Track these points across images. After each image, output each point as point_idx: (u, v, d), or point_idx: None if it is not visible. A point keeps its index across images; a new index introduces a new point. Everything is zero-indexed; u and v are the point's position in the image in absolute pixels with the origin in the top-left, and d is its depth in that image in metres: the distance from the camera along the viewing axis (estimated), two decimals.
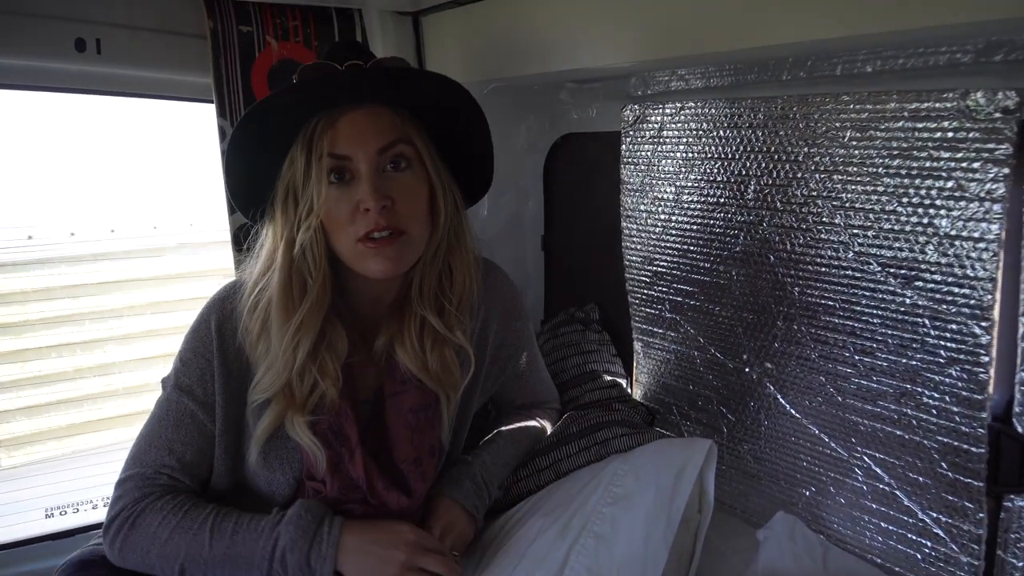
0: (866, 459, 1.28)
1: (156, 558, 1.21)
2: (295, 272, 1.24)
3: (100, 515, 1.43)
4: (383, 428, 1.33)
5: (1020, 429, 1.09)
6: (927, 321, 1.14)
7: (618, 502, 1.33)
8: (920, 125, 1.12)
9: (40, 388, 3.25)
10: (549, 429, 1.60)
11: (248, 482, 1.32)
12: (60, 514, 2.26)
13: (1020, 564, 1.12)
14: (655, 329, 1.64)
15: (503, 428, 1.56)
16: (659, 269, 1.59)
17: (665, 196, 1.54)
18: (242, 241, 1.51)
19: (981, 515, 1.14)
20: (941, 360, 1.14)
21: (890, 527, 1.27)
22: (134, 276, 3.43)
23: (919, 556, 1.23)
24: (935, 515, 1.20)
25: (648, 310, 1.64)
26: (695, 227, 1.49)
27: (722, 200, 1.43)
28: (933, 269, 1.12)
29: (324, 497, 1.28)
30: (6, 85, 1.76)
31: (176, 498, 1.24)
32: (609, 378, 1.72)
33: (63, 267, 3.30)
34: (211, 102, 1.74)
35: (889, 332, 1.20)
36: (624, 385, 1.73)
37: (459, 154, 1.34)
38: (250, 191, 1.30)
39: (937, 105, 1.09)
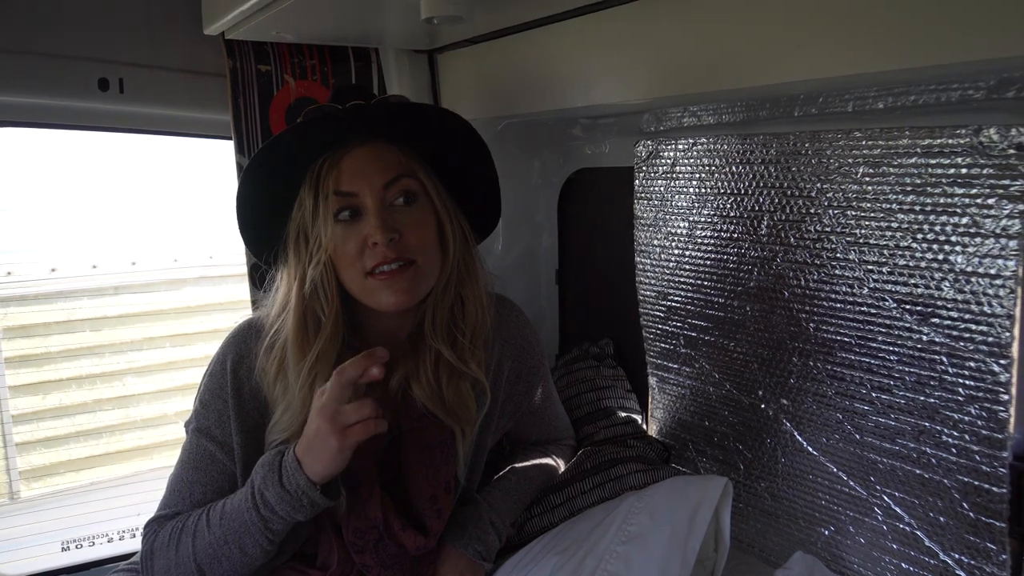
0: (886, 498, 1.26)
1: (177, 570, 1.21)
2: (308, 309, 1.24)
3: (115, 548, 1.45)
4: (398, 466, 1.33)
5: None
6: (944, 358, 1.13)
7: (632, 540, 1.31)
8: (933, 161, 1.11)
9: (60, 419, 3.29)
10: (563, 466, 1.59)
11: None
12: (76, 547, 2.26)
13: None
14: (670, 364, 1.63)
15: (516, 464, 1.55)
16: (673, 304, 1.59)
17: (678, 231, 1.54)
18: (260, 277, 1.52)
19: (1004, 557, 1.12)
20: (960, 398, 1.12)
21: (911, 568, 1.24)
22: (154, 308, 3.47)
23: None
24: (957, 556, 1.17)
25: (663, 345, 1.63)
26: (709, 262, 1.49)
27: (735, 236, 1.43)
28: (950, 306, 1.11)
29: (339, 540, 1.28)
30: (32, 123, 1.80)
31: (180, 517, 1.25)
32: (624, 414, 1.71)
33: (85, 299, 3.35)
34: (230, 139, 1.77)
35: (906, 369, 1.18)
36: (639, 421, 1.72)
37: (467, 188, 1.35)
38: (262, 235, 1.31)
39: (950, 141, 1.09)
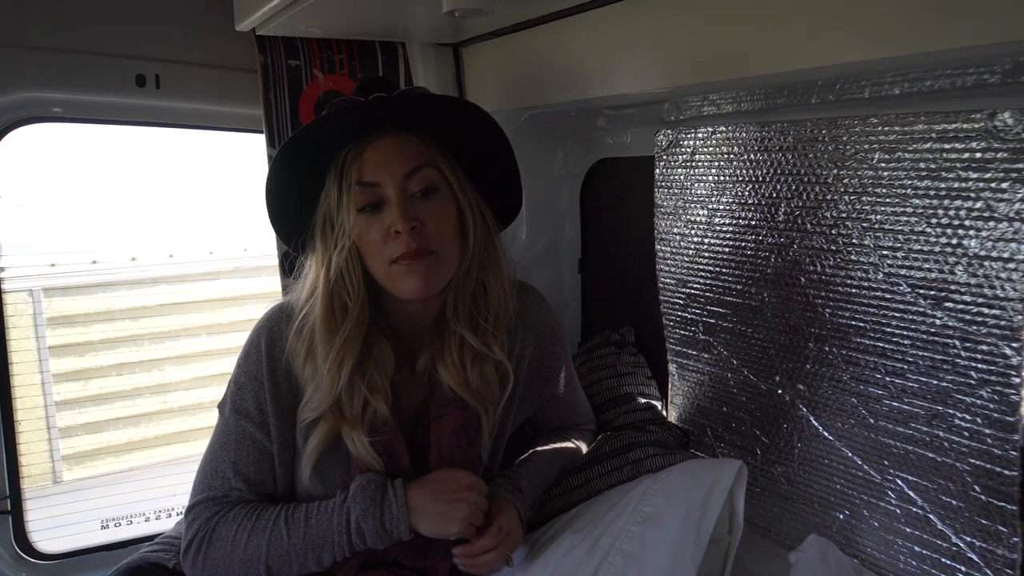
0: (899, 482, 1.27)
1: (240, 564, 1.26)
2: (335, 295, 1.29)
3: (152, 527, 1.51)
4: (425, 448, 1.37)
5: None
6: (957, 342, 1.14)
7: (647, 521, 1.34)
8: (948, 146, 1.12)
9: (101, 406, 3.39)
10: (584, 449, 1.62)
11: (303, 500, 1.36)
12: (115, 526, 2.35)
13: None
14: (689, 351, 1.65)
15: (539, 448, 1.59)
16: (692, 291, 1.61)
17: (698, 219, 1.56)
18: (289, 265, 1.58)
19: (1015, 539, 1.12)
20: (972, 381, 1.13)
21: (924, 551, 1.25)
22: (191, 299, 3.56)
23: None
24: (969, 539, 1.18)
25: (682, 332, 1.65)
26: (727, 249, 1.51)
27: (753, 222, 1.44)
28: (963, 290, 1.12)
29: None
30: (72, 119, 1.88)
31: (246, 507, 1.30)
32: (643, 400, 1.73)
33: (124, 290, 3.45)
34: (261, 132, 1.82)
35: (919, 353, 1.19)
36: (659, 407, 1.74)
37: (490, 177, 1.38)
38: (292, 223, 1.36)
39: (965, 126, 1.10)
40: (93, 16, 1.78)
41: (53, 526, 2.09)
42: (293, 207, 1.34)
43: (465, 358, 1.37)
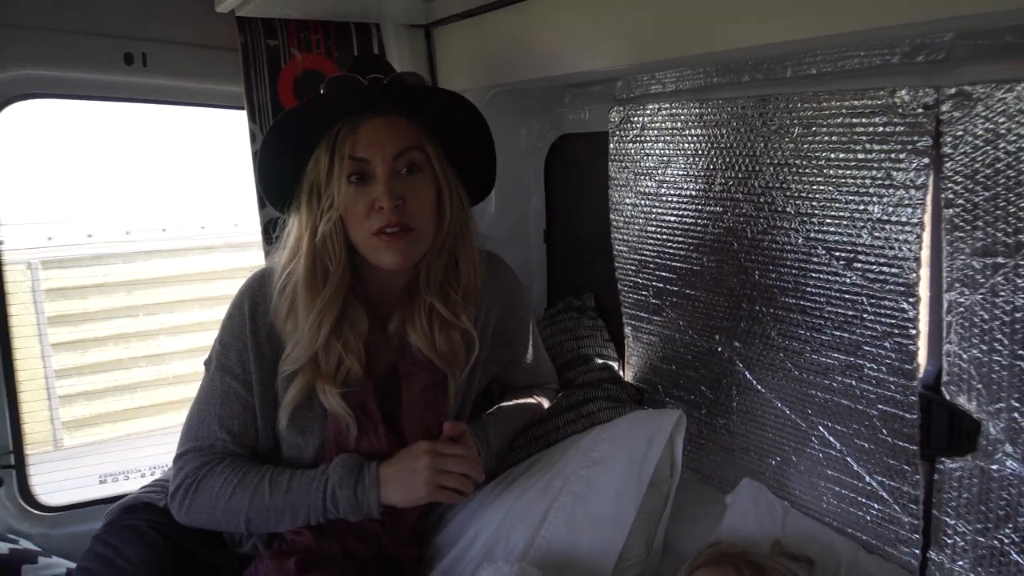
0: (821, 428, 1.39)
1: (222, 513, 1.39)
2: (318, 259, 1.41)
3: (147, 481, 1.63)
4: (396, 404, 1.49)
5: (948, 397, 1.19)
6: (865, 299, 1.26)
7: (594, 465, 1.47)
8: (856, 120, 1.23)
9: (98, 375, 3.52)
10: (546, 405, 1.74)
11: (281, 450, 1.49)
12: (112, 481, 2.49)
13: (952, 522, 1.22)
14: (641, 314, 1.77)
15: (504, 404, 1.71)
16: (643, 258, 1.72)
17: (647, 190, 1.67)
18: (271, 233, 1.69)
19: (917, 477, 1.25)
20: (877, 334, 1.25)
21: (843, 491, 1.37)
22: (184, 272, 3.69)
23: (868, 517, 1.34)
24: (880, 479, 1.31)
25: (635, 296, 1.77)
26: (673, 218, 1.62)
27: (693, 193, 1.56)
28: (868, 251, 1.24)
29: None
30: (64, 95, 1.99)
31: (234, 462, 1.42)
32: (601, 361, 1.85)
33: (119, 263, 3.57)
34: (243, 109, 1.93)
35: (834, 310, 1.31)
36: (616, 367, 1.86)
37: (466, 158, 1.50)
38: (279, 185, 1.47)
39: (869, 102, 1.21)
40: None
41: (55, 490, 2.21)
42: (282, 172, 1.45)
43: (433, 324, 1.48)
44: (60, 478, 2.45)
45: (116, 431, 3.52)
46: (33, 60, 1.86)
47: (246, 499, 1.38)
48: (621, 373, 1.87)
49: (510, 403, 1.71)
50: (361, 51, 2.00)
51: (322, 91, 1.41)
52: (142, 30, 1.92)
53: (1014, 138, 1.04)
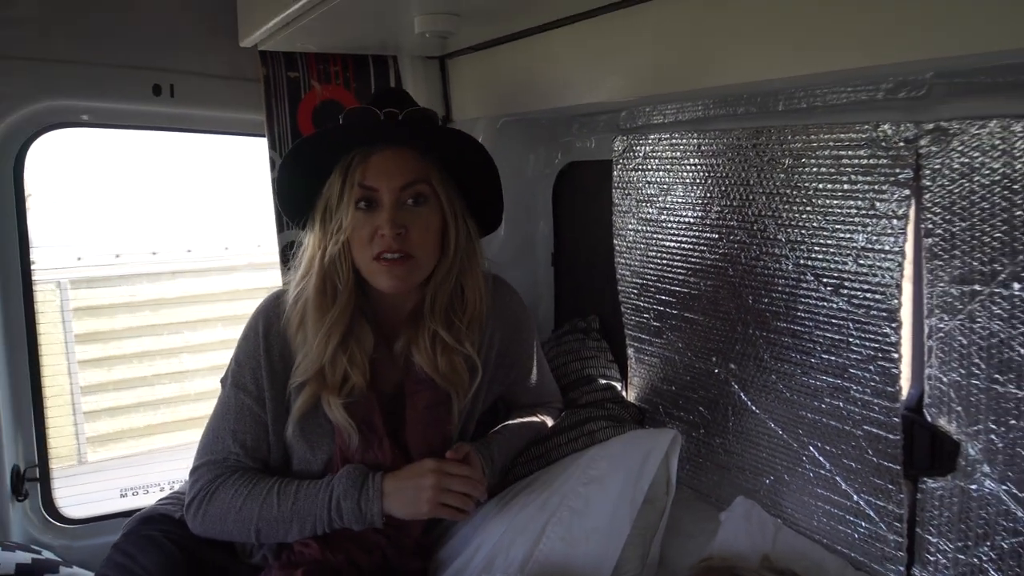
0: (811, 448, 1.44)
1: (233, 524, 1.46)
2: (327, 278, 1.49)
3: (166, 493, 1.71)
4: (401, 421, 1.56)
5: (929, 418, 1.23)
6: (850, 324, 1.31)
7: (592, 483, 1.52)
8: (843, 153, 1.29)
9: (123, 391, 3.62)
10: (550, 424, 1.80)
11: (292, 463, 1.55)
12: (132, 495, 2.57)
13: (935, 540, 1.26)
14: (643, 336, 1.82)
15: (509, 423, 1.77)
16: (645, 282, 1.78)
17: (649, 217, 1.74)
18: (288, 256, 1.78)
19: (901, 496, 1.29)
20: (863, 358, 1.30)
21: (832, 509, 1.42)
22: (208, 291, 3.80)
23: (856, 535, 1.38)
24: (867, 497, 1.35)
25: (637, 319, 1.83)
26: (672, 244, 1.68)
27: (691, 220, 1.62)
28: (853, 278, 1.29)
29: None
30: (96, 124, 2.10)
31: (245, 474, 1.50)
32: (604, 381, 1.90)
33: (145, 283, 3.69)
34: (264, 136, 2.03)
35: (822, 334, 1.36)
36: (619, 388, 1.92)
37: (475, 192, 1.58)
38: (295, 203, 1.57)
39: (855, 136, 1.27)
40: (114, 32, 1.98)
41: (78, 503, 2.30)
42: (299, 191, 1.54)
43: (436, 348, 1.55)
44: (83, 492, 2.54)
45: (139, 447, 3.62)
46: (65, 91, 1.97)
47: (256, 509, 1.45)
48: (624, 393, 1.92)
49: (515, 422, 1.77)
50: (378, 82, 2.09)
51: (340, 121, 1.50)
52: (170, 62, 2.03)
53: (987, 171, 1.09)
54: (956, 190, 1.13)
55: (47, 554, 1.99)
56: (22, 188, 2.03)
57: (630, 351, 1.89)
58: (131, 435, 3.64)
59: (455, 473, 1.46)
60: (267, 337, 1.53)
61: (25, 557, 1.88)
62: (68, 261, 3.54)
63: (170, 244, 3.79)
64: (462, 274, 1.56)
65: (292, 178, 1.55)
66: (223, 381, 1.59)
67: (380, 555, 1.54)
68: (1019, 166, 1.05)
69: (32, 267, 2.10)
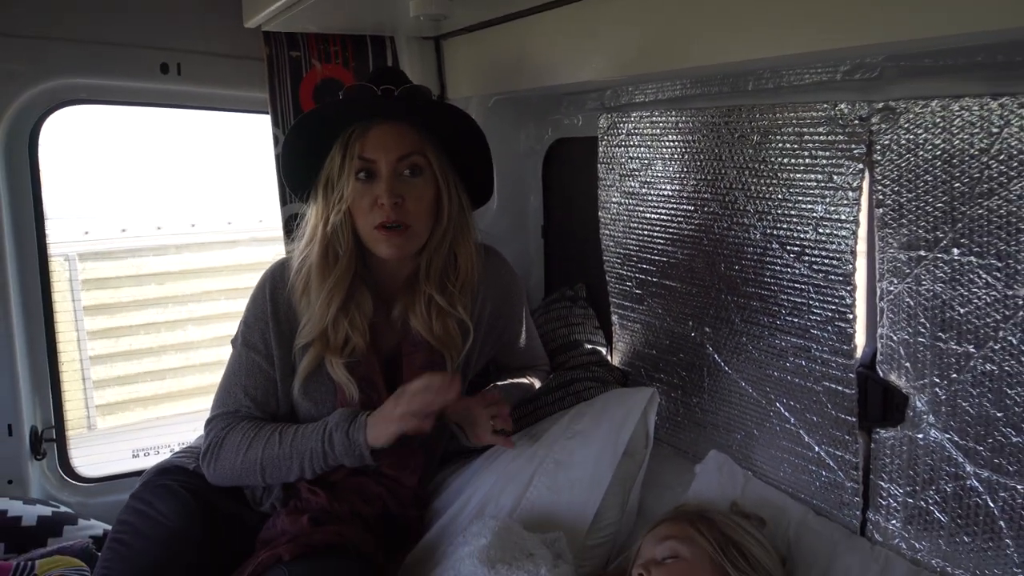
0: (778, 405, 1.55)
1: (241, 466, 1.57)
2: (330, 245, 1.61)
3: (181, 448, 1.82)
4: (398, 380, 1.67)
5: (882, 374, 1.35)
6: (811, 288, 1.42)
7: (576, 436, 1.64)
8: (805, 130, 1.40)
9: (130, 361, 3.74)
10: (538, 385, 1.91)
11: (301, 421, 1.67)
12: (144, 455, 2.70)
13: (887, 486, 1.38)
14: (626, 303, 1.94)
15: (499, 383, 1.88)
16: (628, 252, 1.89)
17: (631, 190, 1.84)
18: (292, 228, 1.89)
19: (857, 446, 1.41)
20: (822, 319, 1.41)
21: (796, 460, 1.54)
22: (211, 265, 3.90)
23: (817, 483, 1.50)
24: (827, 448, 1.47)
25: (621, 287, 1.94)
26: (653, 216, 1.79)
27: (669, 193, 1.72)
28: (814, 245, 1.40)
29: None
30: (104, 101, 2.21)
31: (253, 421, 1.61)
32: (590, 346, 2.02)
33: (151, 256, 3.80)
34: (267, 113, 2.12)
35: (787, 298, 1.47)
36: (604, 352, 2.03)
37: (470, 167, 1.69)
38: (299, 176, 1.68)
39: (815, 114, 1.37)
40: (123, 12, 2.08)
41: (90, 458, 2.41)
42: (302, 164, 1.65)
43: (431, 312, 1.66)
44: (95, 453, 2.66)
45: (146, 415, 3.74)
46: (77, 70, 2.07)
47: (260, 449, 1.56)
48: (609, 357, 2.04)
49: (505, 382, 1.89)
50: (376, 62, 2.19)
51: (340, 96, 1.60)
52: (177, 42, 2.12)
53: (930, 147, 1.20)
54: (903, 164, 1.24)
55: (65, 509, 2.11)
56: (37, 165, 2.13)
57: (614, 317, 2.00)
58: (139, 404, 3.77)
59: (414, 391, 1.51)
60: (273, 300, 1.65)
61: (45, 510, 2.01)
62: (76, 235, 3.64)
63: (175, 219, 3.89)
64: (455, 242, 1.67)
65: (295, 153, 1.65)
66: (233, 342, 1.71)
67: (381, 505, 1.66)
68: (957, 142, 1.16)
69: (47, 241, 2.20)
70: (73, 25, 2.03)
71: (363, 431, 1.52)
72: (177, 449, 1.79)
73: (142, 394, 3.78)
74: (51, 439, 2.26)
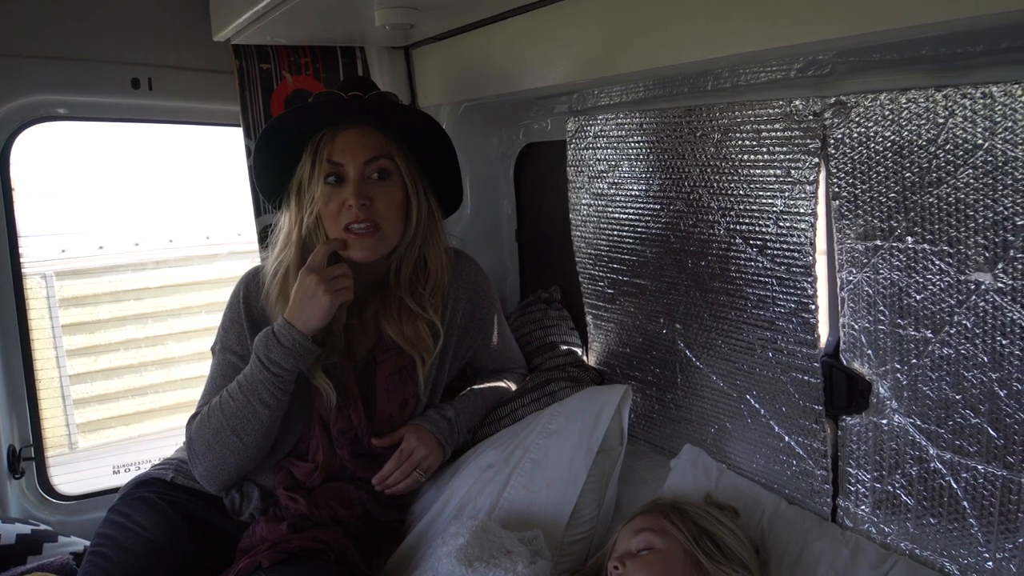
0: (748, 397, 1.58)
1: (214, 440, 1.57)
2: (304, 248, 1.62)
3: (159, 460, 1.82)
4: (372, 384, 1.69)
5: (845, 362, 1.38)
6: (775, 281, 1.45)
7: (551, 436, 1.66)
8: (762, 127, 1.43)
9: (111, 379, 3.73)
10: (515, 388, 1.93)
11: None
12: (125, 471, 2.69)
13: (855, 472, 1.40)
14: (599, 303, 1.96)
15: (475, 386, 1.90)
16: (599, 252, 1.92)
17: (600, 191, 1.87)
18: (266, 239, 1.90)
19: (824, 434, 1.44)
20: (786, 311, 1.44)
21: (768, 451, 1.56)
22: (190, 280, 3.90)
23: (788, 473, 1.53)
24: (796, 437, 1.49)
25: (593, 287, 1.97)
26: (622, 216, 1.82)
27: (637, 193, 1.75)
28: (775, 239, 1.43)
29: (326, 437, 1.66)
30: (76, 117, 2.20)
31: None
32: (565, 347, 2.04)
33: (129, 273, 3.79)
34: (239, 126, 2.14)
35: (752, 292, 1.50)
36: (579, 353, 2.06)
37: (440, 172, 1.71)
38: (271, 182, 1.71)
39: (772, 111, 1.41)
40: (93, 27, 2.08)
41: (71, 476, 2.40)
42: (274, 171, 1.68)
43: (403, 315, 1.69)
44: (76, 472, 2.65)
45: (128, 432, 3.73)
46: (48, 86, 2.07)
47: (219, 415, 1.57)
48: (584, 358, 2.06)
49: (480, 386, 1.91)
50: (347, 72, 2.21)
51: (309, 101, 1.63)
52: (147, 57, 2.13)
53: (880, 139, 1.24)
54: (856, 157, 1.27)
55: (44, 527, 2.10)
56: (8, 182, 2.13)
57: (588, 318, 2.02)
58: (120, 422, 3.75)
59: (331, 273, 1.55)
60: (247, 302, 1.67)
61: (25, 529, 2.00)
62: (53, 254, 3.63)
63: (152, 235, 3.89)
64: (425, 246, 1.70)
65: (267, 159, 1.67)
66: (213, 348, 1.72)
67: (362, 509, 1.67)
68: (906, 134, 1.20)
69: (21, 259, 2.19)
70: (43, 42, 2.03)
71: (289, 328, 1.52)
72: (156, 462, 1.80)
73: (123, 411, 3.77)
74: (29, 458, 2.25)
